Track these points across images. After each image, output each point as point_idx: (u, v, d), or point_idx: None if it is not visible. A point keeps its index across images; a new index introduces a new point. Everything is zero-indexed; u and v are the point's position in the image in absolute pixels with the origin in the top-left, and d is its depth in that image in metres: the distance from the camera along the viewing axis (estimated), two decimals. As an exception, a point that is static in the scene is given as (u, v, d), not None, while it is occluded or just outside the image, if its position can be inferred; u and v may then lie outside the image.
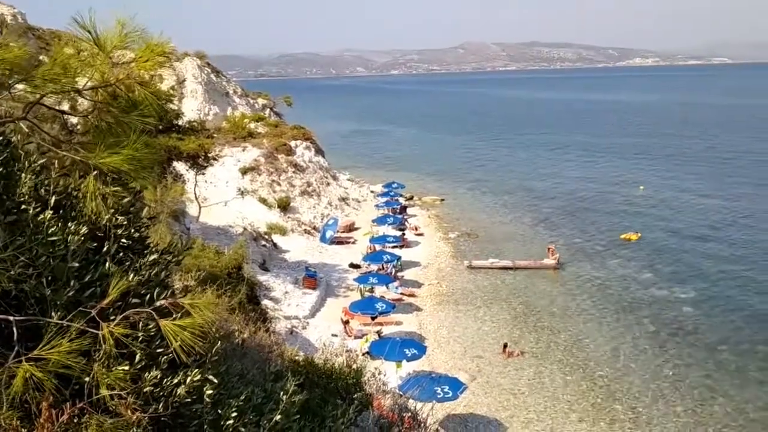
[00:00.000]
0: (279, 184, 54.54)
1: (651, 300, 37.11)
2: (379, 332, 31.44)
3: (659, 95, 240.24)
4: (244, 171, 53.75)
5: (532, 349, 30.86)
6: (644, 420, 24.66)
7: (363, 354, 25.63)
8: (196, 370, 3.88)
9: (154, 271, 4.03)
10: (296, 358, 8.62)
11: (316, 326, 32.45)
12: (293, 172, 57.10)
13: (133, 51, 4.06)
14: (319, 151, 65.57)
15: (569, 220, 55.92)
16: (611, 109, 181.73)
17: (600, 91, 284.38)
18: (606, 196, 65.63)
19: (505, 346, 30.45)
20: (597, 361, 29.55)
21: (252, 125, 65.90)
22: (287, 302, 34.45)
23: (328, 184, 60.30)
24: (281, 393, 4.48)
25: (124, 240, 4.12)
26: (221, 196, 47.09)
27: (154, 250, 4.25)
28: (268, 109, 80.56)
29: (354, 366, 8.75)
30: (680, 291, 38.27)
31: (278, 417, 4.27)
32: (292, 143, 61.55)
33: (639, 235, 49.60)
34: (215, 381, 3.97)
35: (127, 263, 4.06)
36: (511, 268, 42.74)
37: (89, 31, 3.79)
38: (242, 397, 4.21)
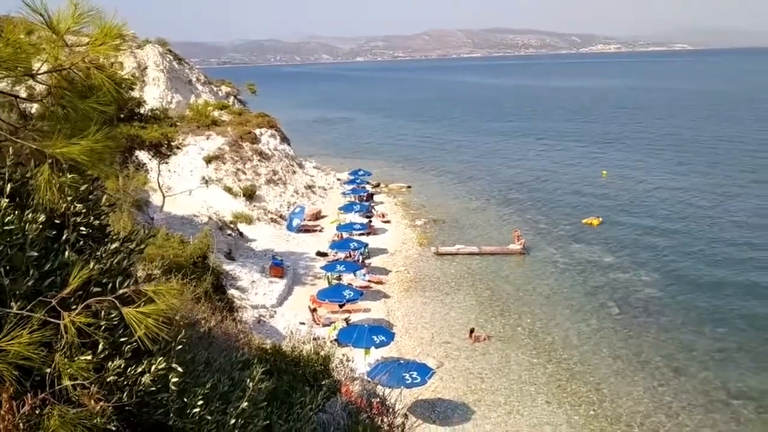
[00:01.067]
0: (244, 173, 54.07)
1: (614, 283, 37.75)
2: (347, 320, 31.47)
3: (621, 81, 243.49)
4: (209, 160, 53.15)
5: (498, 334, 31.19)
6: (609, 400, 25.14)
7: (331, 341, 25.65)
8: (161, 358, 3.84)
9: (115, 260, 3.96)
10: (264, 346, 8.58)
11: (284, 315, 32.36)
12: (258, 160, 56.64)
13: (89, 36, 3.96)
14: (284, 139, 65.14)
15: (534, 206, 56.50)
16: (575, 95, 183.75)
17: (564, 78, 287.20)
18: (570, 181, 66.44)
19: (472, 331, 30.72)
20: (562, 344, 30.00)
21: (216, 113, 65.18)
22: (254, 291, 34.27)
23: (294, 172, 59.96)
24: (248, 381, 4.46)
25: (83, 228, 4.04)
26: (185, 185, 46.52)
27: (115, 238, 4.18)
28: (232, 97, 79.72)
29: (322, 353, 8.75)
30: (643, 273, 39.00)
31: (245, 404, 4.25)
32: (257, 131, 61.02)
33: (600, 219, 50.39)
34: (180, 369, 3.93)
35: (88, 252, 3.99)
36: (477, 254, 43.07)
37: (41, 14, 3.69)
38: (208, 386, 4.18)
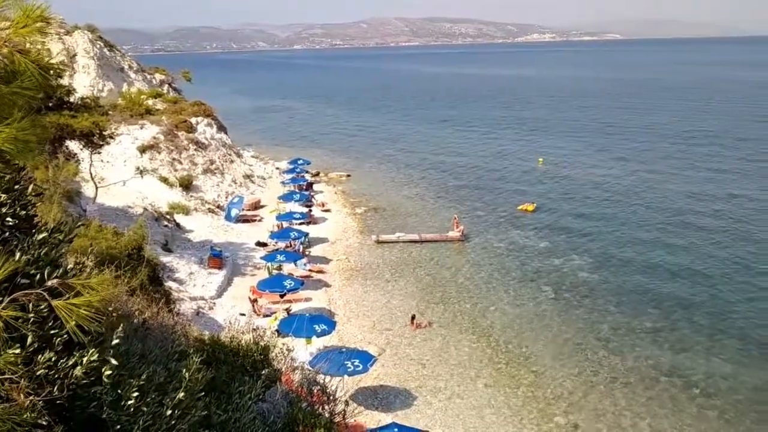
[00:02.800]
0: (180, 162, 52.97)
1: (550, 267, 38.66)
2: (288, 309, 31.33)
3: (554, 70, 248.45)
4: (143, 149, 51.83)
5: (439, 320, 31.57)
6: (545, 381, 25.80)
7: (272, 332, 25.50)
8: (93, 350, 3.76)
9: (43, 251, 3.85)
10: (202, 337, 8.48)
11: (224, 306, 31.96)
12: (195, 149, 55.57)
13: (11, 20, 3.82)
14: (221, 128, 64.06)
15: (473, 193, 57.27)
16: (511, 84, 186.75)
17: (500, 67, 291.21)
18: (507, 168, 67.59)
19: (413, 317, 31.00)
20: (501, 328, 30.59)
21: (150, 102, 63.57)
22: (192, 283, 33.72)
23: (232, 161, 59.09)
24: (184, 371, 4.41)
25: (9, 219, 3.91)
26: (119, 175, 45.31)
27: (43, 228, 4.06)
28: (167, 85, 77.92)
29: (261, 343, 8.71)
30: (577, 258, 40.05)
31: (181, 395, 4.21)
32: (193, 120, 59.80)
33: (535, 205, 51.51)
34: (114, 361, 3.86)
35: (14, 243, 3.86)
36: (417, 242, 43.42)
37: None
38: (143, 377, 4.12)
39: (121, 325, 4.35)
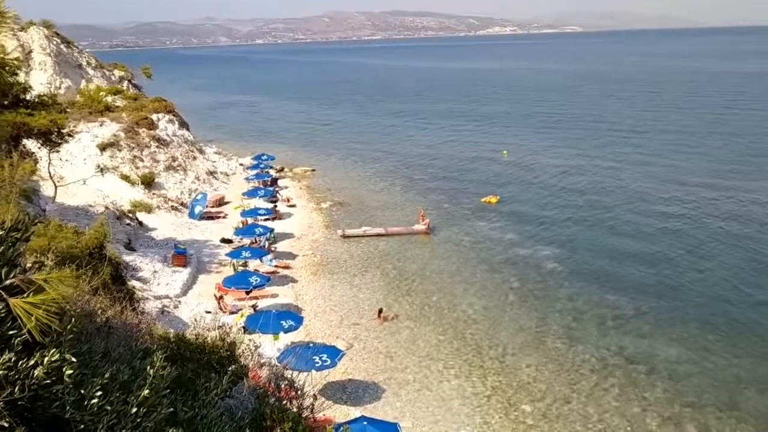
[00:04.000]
0: (142, 160, 52.20)
1: (515, 258, 39.07)
2: (254, 306, 31.15)
3: (515, 63, 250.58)
4: (103, 147, 50.94)
5: (406, 313, 31.68)
6: (512, 370, 26.09)
7: (239, 329, 25.35)
8: (54, 350, 3.70)
9: (0, 249, 3.77)
10: (166, 335, 8.39)
11: (189, 304, 31.65)
12: (156, 146, 54.81)
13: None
14: (183, 124, 63.32)
15: (438, 186, 57.53)
16: (474, 77, 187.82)
17: (462, 60, 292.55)
18: (472, 161, 68.01)
19: (380, 311, 31.07)
20: (467, 320, 30.82)
21: (109, 98, 62.53)
22: (156, 282, 33.31)
23: (195, 158, 58.44)
24: (149, 369, 4.37)
25: (-37, 218, 3.82)
26: (79, 174, 44.51)
27: (-1, 227, 3.97)
28: (126, 81, 76.72)
29: (227, 339, 8.65)
30: (541, 248, 40.54)
31: (146, 392, 4.16)
32: (154, 116, 59.00)
33: (498, 197, 51.99)
34: (75, 360, 3.80)
35: (-31, 242, 3.77)
36: (383, 235, 43.50)
37: None
38: (107, 376, 4.06)
39: (82, 323, 4.29)
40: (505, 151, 70.91)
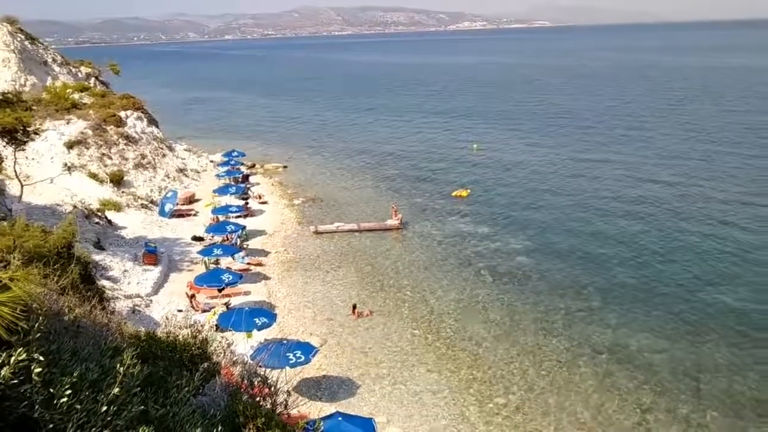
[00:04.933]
0: (110, 158, 51.49)
1: (486, 252, 39.33)
2: (227, 304, 30.93)
3: (485, 57, 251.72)
4: (70, 145, 50.12)
5: (380, 308, 31.73)
6: (485, 363, 26.28)
7: (211, 327, 25.18)
8: (21, 349, 3.65)
9: (-36, 249, 3.71)
10: (137, 333, 8.32)
11: (160, 303, 31.32)
12: (125, 144, 54.09)
13: None
14: (152, 122, 62.54)
15: (409, 181, 57.65)
16: (444, 72, 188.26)
17: (433, 55, 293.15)
18: (443, 155, 68.29)
19: (354, 307, 31.08)
20: (441, 314, 30.97)
21: (76, 96, 61.45)
22: (127, 281, 32.92)
23: (164, 155, 57.78)
24: (119, 367, 4.33)
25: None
26: (46, 173, 43.77)
27: (-38, 226, 3.90)
28: (93, 78, 75.44)
29: (199, 337, 8.61)
30: (512, 242, 40.88)
31: (116, 391, 4.13)
32: (122, 114, 58.19)
33: (469, 191, 52.29)
34: (43, 359, 3.75)
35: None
36: (356, 231, 43.48)
37: None
38: (76, 374, 4.02)
39: (50, 322, 4.24)
40: (475, 145, 71.27)
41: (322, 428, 16.46)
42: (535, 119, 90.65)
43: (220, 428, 5.07)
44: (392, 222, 44.35)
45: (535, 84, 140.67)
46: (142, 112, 61.32)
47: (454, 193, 52.07)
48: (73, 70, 73.67)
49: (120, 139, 54.11)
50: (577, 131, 78.99)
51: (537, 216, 46.15)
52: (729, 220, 43.14)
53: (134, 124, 58.26)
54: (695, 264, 36.24)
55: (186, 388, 5.19)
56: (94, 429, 3.91)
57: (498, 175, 58.63)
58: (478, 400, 23.72)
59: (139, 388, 4.52)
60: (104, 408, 4.04)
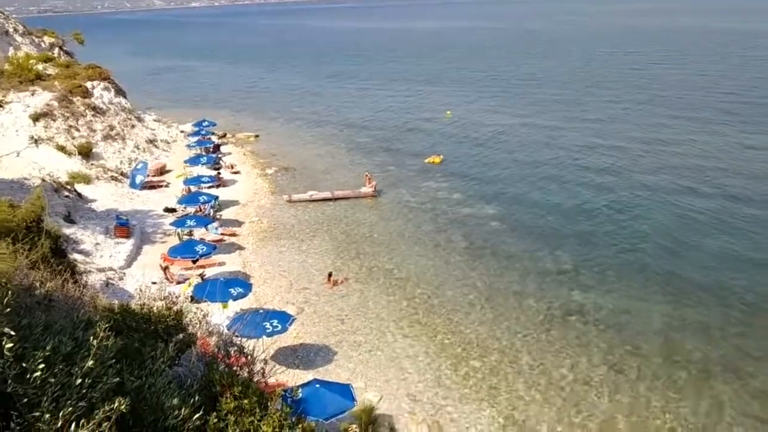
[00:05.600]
0: (78, 130, 50.52)
1: (461, 217, 39.54)
2: (201, 275, 30.84)
3: (448, 22, 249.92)
4: (36, 117, 49.06)
5: (356, 276, 31.86)
6: (461, 328, 26.61)
7: (186, 298, 25.11)
8: (-9, 325, 3.61)
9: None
10: (111, 306, 8.26)
11: (134, 276, 31.09)
12: (92, 115, 53.07)
13: None
14: (119, 92, 61.39)
15: (383, 148, 57.47)
16: (410, 37, 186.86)
17: (402, 20, 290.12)
18: (415, 122, 68.05)
19: (330, 275, 31.15)
20: (416, 280, 31.18)
21: (40, 66, 60.07)
22: (99, 254, 32.58)
23: (133, 126, 56.85)
24: (92, 339, 4.30)
25: None
26: (12, 146, 42.77)
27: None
28: (57, 48, 73.78)
29: (174, 308, 8.58)
30: (486, 206, 41.13)
31: (90, 363, 4.11)
32: (89, 84, 57.01)
33: (442, 157, 52.34)
34: (14, 334, 3.71)
35: None
36: (330, 199, 43.38)
37: None
38: (49, 348, 3.99)
39: (20, 297, 4.19)
40: (448, 112, 71.15)
41: (300, 395, 16.62)
42: (507, 85, 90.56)
43: (197, 398, 5.09)
44: (366, 189, 44.30)
45: (507, 48, 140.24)
46: (108, 83, 60.13)
47: (427, 160, 52.07)
48: (36, 40, 71.94)
49: (87, 111, 53.09)
50: (549, 96, 79.10)
51: (510, 181, 46.39)
52: (697, 184, 43.77)
53: (101, 94, 57.15)
54: (667, 225, 36.83)
55: (161, 359, 5.19)
56: (69, 402, 3.90)
57: (471, 141, 58.67)
58: (454, 364, 24.06)
59: (113, 360, 4.51)
60: (79, 381, 4.02)
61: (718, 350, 24.37)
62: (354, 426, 18.65)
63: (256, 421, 5.66)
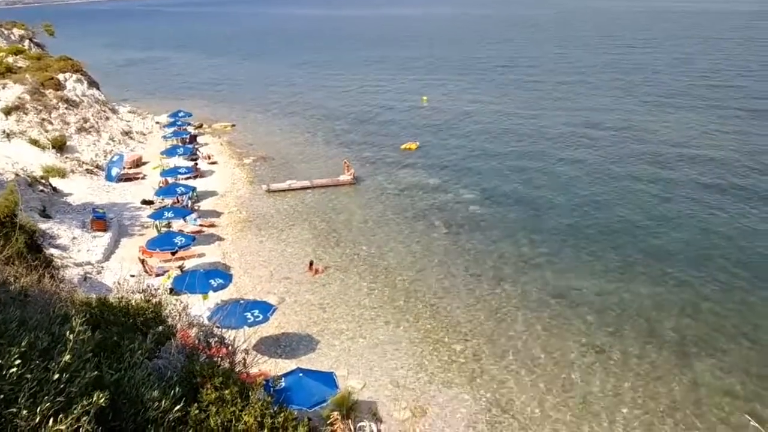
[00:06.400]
0: (51, 123, 49.82)
1: (440, 203, 39.64)
2: (181, 267, 30.65)
3: (427, 9, 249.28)
4: (8, 111, 48.30)
5: (336, 264, 31.84)
6: (442, 313, 26.73)
7: (166, 290, 24.95)
8: (-36, 322, 3.56)
9: None
10: (88, 300, 8.19)
11: (113, 269, 30.80)
12: (66, 108, 52.34)
13: None
14: (92, 84, 60.56)
15: (360, 136, 57.35)
16: (391, 24, 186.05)
17: (379, 7, 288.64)
18: (392, 109, 67.96)
19: (311, 263, 31.11)
20: (397, 267, 31.25)
21: (10, 59, 59.09)
22: (77, 248, 32.22)
23: (108, 118, 56.16)
24: (69, 334, 4.26)
25: None
26: (-17, 141, 42.19)
27: None
28: (27, 41, 72.56)
29: (153, 301, 8.53)
30: (464, 192, 41.26)
31: (67, 358, 4.07)
32: (61, 76, 56.18)
33: (417, 144, 52.34)
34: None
35: None
36: (309, 188, 43.24)
37: None
38: (24, 344, 3.95)
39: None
40: (425, 98, 71.10)
41: (283, 385, 16.64)
42: (483, 70, 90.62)
43: (177, 389, 5.06)
44: (345, 177, 44.21)
45: (484, 34, 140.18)
46: (81, 75, 59.30)
47: (403, 146, 52.04)
48: (5, 32, 70.73)
49: (60, 103, 52.35)
50: (524, 81, 79.38)
51: (487, 166, 46.54)
52: (677, 165, 44.28)
53: (74, 87, 56.35)
54: (644, 208, 37.23)
55: (140, 352, 5.15)
56: (46, 397, 3.86)
57: (448, 127, 58.72)
58: (436, 349, 24.18)
59: (91, 354, 4.47)
60: (56, 376, 3.98)
61: (694, 328, 24.74)
62: (336, 413, 18.71)
63: (237, 411, 5.66)
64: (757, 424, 13.39)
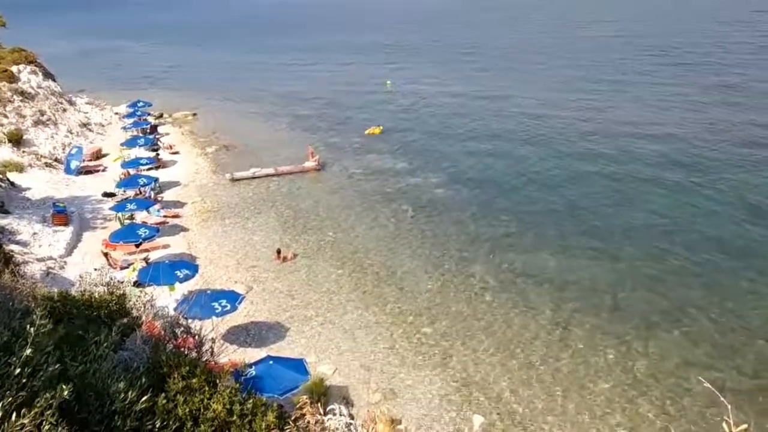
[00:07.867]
0: (5, 116, 48.56)
1: (406, 187, 39.74)
2: (146, 259, 30.27)
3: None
4: (-41, 105, 46.99)
5: (304, 251, 31.76)
6: (410, 296, 26.89)
7: (131, 283, 24.68)
8: None
9: None
10: (50, 294, 8.07)
11: (76, 264, 30.30)
12: (21, 101, 51.07)
13: None
14: (48, 75, 59.15)
15: (323, 121, 57.10)
16: (352, 8, 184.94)
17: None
18: (355, 94, 67.76)
19: (279, 251, 30.98)
20: (364, 252, 31.30)
21: (-41, 52, 57.34)
22: (38, 243, 31.59)
23: (65, 110, 54.98)
24: (29, 327, 4.20)
25: None
26: (-65, 136, 41.00)
27: None
28: (-23, 32, 70.29)
29: (117, 293, 8.44)
30: (430, 175, 41.41)
31: (29, 352, 4.01)
32: (14, 68, 54.74)
33: (381, 128, 52.32)
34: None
35: None
36: (274, 176, 42.97)
37: None
38: (-17, 339, 3.88)
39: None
40: (388, 82, 71.00)
41: (253, 373, 16.60)
42: (445, 53, 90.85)
43: (143, 380, 5.03)
44: (310, 164, 44.03)
45: (444, 17, 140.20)
46: (36, 66, 57.87)
47: (367, 131, 51.96)
48: (-46, 23, 68.37)
49: (14, 96, 51.05)
50: (487, 64, 79.87)
51: (451, 149, 46.74)
52: (638, 144, 44.99)
53: (29, 78, 54.99)
54: (606, 186, 37.85)
55: (105, 344, 5.10)
56: (8, 392, 3.81)
57: (412, 111, 58.82)
58: (405, 332, 24.33)
59: (54, 347, 4.41)
60: (18, 370, 3.93)
61: (661, 301, 25.29)
62: (306, 398, 18.74)
63: (205, 400, 5.65)
64: (710, 386, 13.88)
